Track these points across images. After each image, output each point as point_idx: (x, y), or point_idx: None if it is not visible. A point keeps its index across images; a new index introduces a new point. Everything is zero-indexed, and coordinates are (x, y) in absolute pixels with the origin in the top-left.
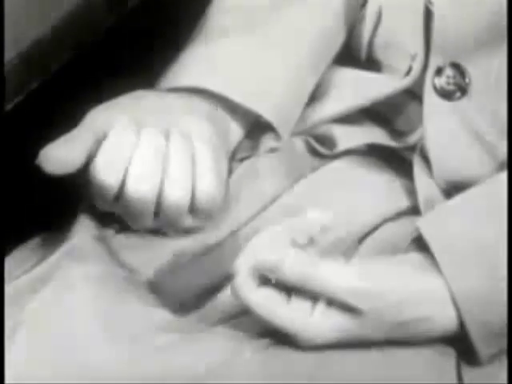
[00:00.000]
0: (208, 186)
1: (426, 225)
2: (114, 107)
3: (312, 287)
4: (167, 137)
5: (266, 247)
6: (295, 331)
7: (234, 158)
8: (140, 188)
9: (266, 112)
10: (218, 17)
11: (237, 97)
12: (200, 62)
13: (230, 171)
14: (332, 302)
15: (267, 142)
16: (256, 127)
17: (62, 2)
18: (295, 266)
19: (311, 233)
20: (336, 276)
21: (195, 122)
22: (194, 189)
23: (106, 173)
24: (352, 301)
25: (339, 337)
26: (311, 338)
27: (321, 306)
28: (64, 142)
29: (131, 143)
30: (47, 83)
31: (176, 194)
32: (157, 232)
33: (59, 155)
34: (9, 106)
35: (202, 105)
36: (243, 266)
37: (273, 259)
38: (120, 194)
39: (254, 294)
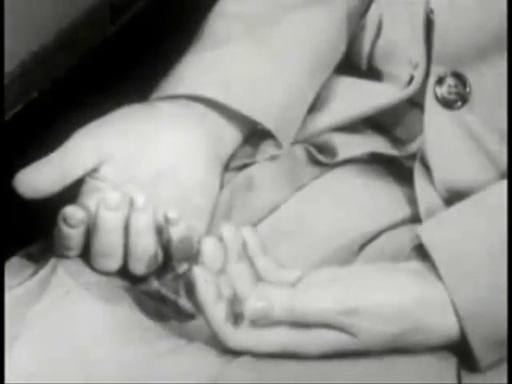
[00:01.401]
0: (179, 236)
1: (426, 232)
2: (97, 135)
3: (305, 321)
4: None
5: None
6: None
7: (233, 164)
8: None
9: (266, 120)
10: (218, 25)
11: (236, 105)
12: (199, 70)
13: (223, 182)
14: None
15: (267, 148)
16: (256, 134)
17: (62, 14)
18: (284, 307)
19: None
20: (321, 302)
21: (184, 137)
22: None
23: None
24: (341, 321)
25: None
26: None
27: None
28: (40, 166)
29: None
30: (47, 93)
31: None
32: None
33: (33, 180)
34: (8, 116)
35: (193, 113)
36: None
37: (260, 306)
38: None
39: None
